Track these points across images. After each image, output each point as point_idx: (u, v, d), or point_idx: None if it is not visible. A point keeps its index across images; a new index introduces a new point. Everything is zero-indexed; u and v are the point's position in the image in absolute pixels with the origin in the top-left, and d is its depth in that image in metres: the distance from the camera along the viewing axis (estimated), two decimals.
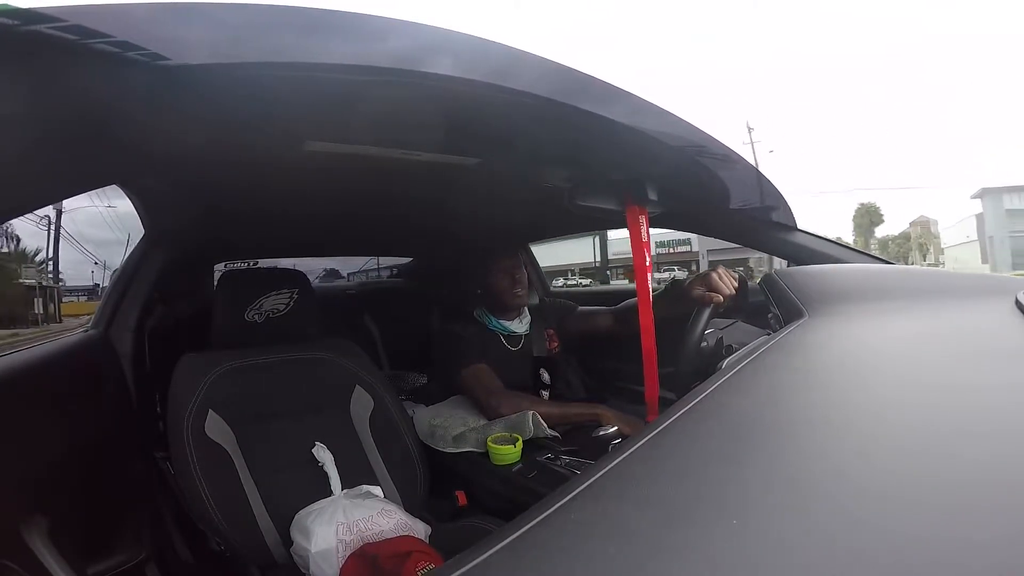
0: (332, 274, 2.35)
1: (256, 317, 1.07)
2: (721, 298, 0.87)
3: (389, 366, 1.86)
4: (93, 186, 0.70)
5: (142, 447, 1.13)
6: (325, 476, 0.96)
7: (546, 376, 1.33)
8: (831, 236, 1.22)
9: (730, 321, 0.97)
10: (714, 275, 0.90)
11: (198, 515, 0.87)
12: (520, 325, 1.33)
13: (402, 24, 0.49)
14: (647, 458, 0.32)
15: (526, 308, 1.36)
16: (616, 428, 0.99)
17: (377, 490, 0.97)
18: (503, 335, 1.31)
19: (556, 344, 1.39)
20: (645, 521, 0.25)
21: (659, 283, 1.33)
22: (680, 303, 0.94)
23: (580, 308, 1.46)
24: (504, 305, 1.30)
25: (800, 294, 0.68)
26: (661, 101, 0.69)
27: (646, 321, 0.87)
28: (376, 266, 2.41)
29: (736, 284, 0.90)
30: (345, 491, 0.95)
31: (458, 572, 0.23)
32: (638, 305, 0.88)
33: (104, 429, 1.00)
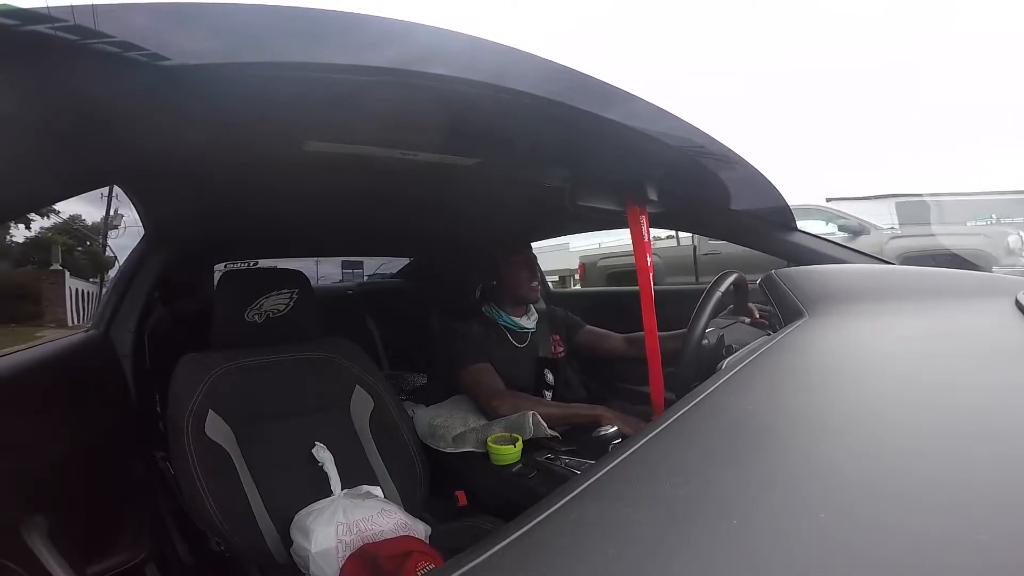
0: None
1: (256, 317, 1.07)
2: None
3: (389, 366, 1.86)
4: (93, 186, 0.70)
5: (142, 447, 1.13)
6: (325, 476, 0.96)
7: (550, 377, 1.34)
8: None
9: (730, 321, 0.97)
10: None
11: (198, 515, 0.87)
12: (528, 321, 1.34)
13: (401, 24, 0.49)
14: (647, 458, 0.32)
15: (533, 307, 1.37)
16: (616, 428, 0.99)
17: (377, 490, 0.97)
18: (511, 331, 1.32)
19: (561, 349, 1.40)
20: (645, 521, 0.25)
21: None
22: None
23: (588, 327, 1.48)
24: (520, 297, 1.32)
25: (800, 294, 0.69)
26: (660, 101, 0.69)
27: (649, 323, 0.87)
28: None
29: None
30: (345, 491, 0.94)
31: (458, 572, 0.23)
32: (641, 305, 0.88)
33: (104, 429, 1.00)
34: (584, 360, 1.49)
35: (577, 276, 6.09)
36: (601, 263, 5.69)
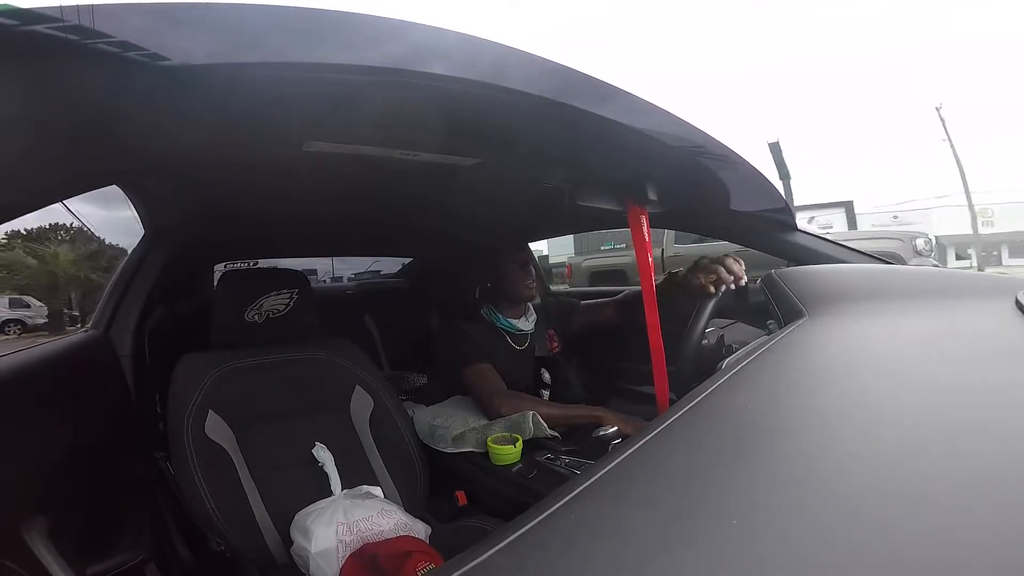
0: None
1: (256, 317, 1.07)
2: (714, 289, 0.89)
3: (389, 366, 1.86)
4: (93, 186, 0.70)
5: (142, 447, 1.13)
6: (325, 476, 0.96)
7: (547, 376, 1.34)
8: None
9: (730, 321, 0.97)
10: (723, 264, 0.91)
11: (198, 515, 0.87)
12: (526, 323, 1.34)
13: (402, 24, 0.49)
14: (647, 458, 0.32)
15: (531, 307, 1.37)
16: (616, 428, 0.99)
17: (377, 490, 0.97)
18: (510, 334, 1.32)
19: (556, 345, 1.39)
20: (645, 521, 0.25)
21: None
22: (679, 298, 0.94)
23: (583, 302, 1.46)
24: (515, 297, 1.31)
25: (800, 294, 0.69)
26: (661, 101, 0.69)
27: (652, 319, 0.87)
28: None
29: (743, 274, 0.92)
30: (345, 491, 0.95)
31: (458, 572, 0.23)
32: (643, 303, 0.88)
33: (104, 429, 1.00)
34: (586, 342, 1.46)
35: (566, 275, 7.30)
36: (584, 263, 6.99)
